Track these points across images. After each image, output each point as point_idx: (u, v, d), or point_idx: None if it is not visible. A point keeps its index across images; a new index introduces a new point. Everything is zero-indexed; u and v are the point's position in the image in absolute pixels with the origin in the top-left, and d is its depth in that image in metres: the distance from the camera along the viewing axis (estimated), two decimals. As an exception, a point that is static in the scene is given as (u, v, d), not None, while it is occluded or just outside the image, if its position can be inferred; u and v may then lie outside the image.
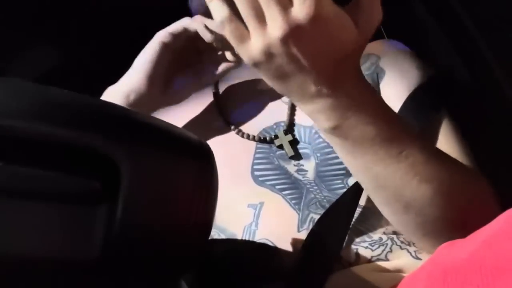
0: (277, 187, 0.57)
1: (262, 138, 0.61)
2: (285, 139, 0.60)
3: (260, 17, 0.38)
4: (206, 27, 0.55)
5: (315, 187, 0.57)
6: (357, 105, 0.41)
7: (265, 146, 0.61)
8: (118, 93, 0.59)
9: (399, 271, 0.51)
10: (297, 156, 0.60)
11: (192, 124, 0.64)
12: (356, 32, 0.39)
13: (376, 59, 0.65)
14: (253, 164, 0.59)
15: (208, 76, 0.61)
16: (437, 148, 0.49)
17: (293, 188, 0.57)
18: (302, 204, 0.55)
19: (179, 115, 0.66)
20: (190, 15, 0.65)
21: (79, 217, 0.32)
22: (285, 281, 0.50)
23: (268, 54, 0.39)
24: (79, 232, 0.32)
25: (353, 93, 0.42)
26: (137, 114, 0.35)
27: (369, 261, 0.51)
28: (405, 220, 0.48)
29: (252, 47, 0.39)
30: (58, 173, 0.31)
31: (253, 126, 0.62)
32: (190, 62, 0.62)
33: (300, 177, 0.58)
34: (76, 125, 0.31)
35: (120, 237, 0.32)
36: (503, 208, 0.32)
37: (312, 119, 0.44)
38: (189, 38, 0.59)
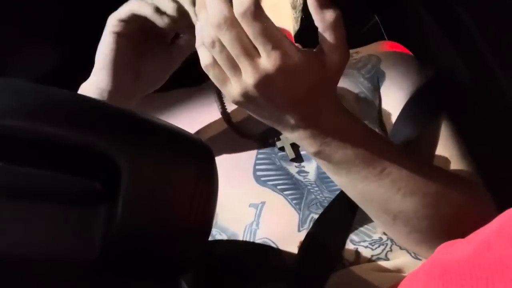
0: (279, 187, 0.57)
1: (264, 139, 0.61)
2: (286, 141, 0.60)
3: (235, 67, 0.42)
4: (157, 9, 0.51)
5: (316, 188, 0.57)
6: (334, 131, 0.45)
7: (267, 147, 0.61)
8: (92, 94, 0.56)
9: (399, 270, 0.51)
10: (298, 158, 0.60)
11: (195, 125, 0.64)
12: (324, 70, 0.43)
13: (376, 62, 0.66)
14: (255, 164, 0.60)
15: (178, 51, 0.58)
16: (420, 161, 0.51)
17: (294, 189, 0.57)
18: (302, 204, 0.55)
19: (180, 117, 0.66)
20: None
21: (79, 217, 0.32)
22: (287, 281, 0.50)
23: (246, 97, 0.43)
24: (79, 232, 0.32)
25: (329, 122, 0.45)
26: (137, 114, 0.35)
27: (369, 260, 0.51)
28: (395, 230, 0.51)
29: (232, 90, 0.43)
30: (58, 173, 0.31)
31: (255, 127, 0.63)
32: (155, 39, 0.57)
33: (301, 178, 0.58)
34: (76, 125, 0.31)
35: (120, 237, 0.32)
36: (504, 209, 0.32)
37: (298, 143, 0.48)
38: (142, 21, 0.54)
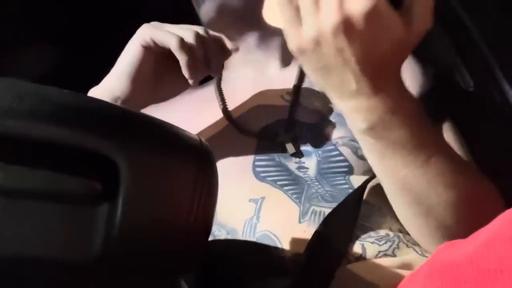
0: (278, 183, 0.57)
1: (263, 135, 0.61)
2: (286, 137, 0.60)
3: (316, 4, 0.38)
4: (182, 43, 0.53)
5: (316, 183, 0.57)
6: (394, 108, 0.42)
7: (267, 143, 0.61)
8: (104, 98, 0.56)
9: (406, 267, 0.50)
10: (298, 153, 0.60)
11: (195, 121, 0.65)
12: (406, 35, 0.39)
13: None
14: (255, 160, 0.60)
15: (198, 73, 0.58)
16: (460, 157, 0.50)
17: (294, 184, 0.57)
18: (303, 198, 0.55)
19: (180, 112, 0.66)
20: (194, 18, 0.65)
21: (79, 217, 0.32)
22: (291, 278, 0.50)
23: (317, 43, 0.39)
24: (79, 232, 0.32)
25: (392, 96, 0.41)
26: (137, 114, 0.35)
27: (376, 256, 0.51)
28: (423, 223, 0.49)
29: (302, 33, 0.39)
30: (58, 173, 0.31)
31: (254, 123, 0.63)
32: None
33: (301, 174, 0.58)
34: (76, 125, 0.31)
35: (120, 237, 0.32)
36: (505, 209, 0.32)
37: (346, 118, 0.44)
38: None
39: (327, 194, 0.56)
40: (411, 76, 0.64)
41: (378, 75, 0.40)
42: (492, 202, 0.50)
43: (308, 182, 0.57)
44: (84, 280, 0.33)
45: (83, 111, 0.32)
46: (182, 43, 0.53)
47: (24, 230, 0.30)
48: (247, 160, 0.60)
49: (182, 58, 0.53)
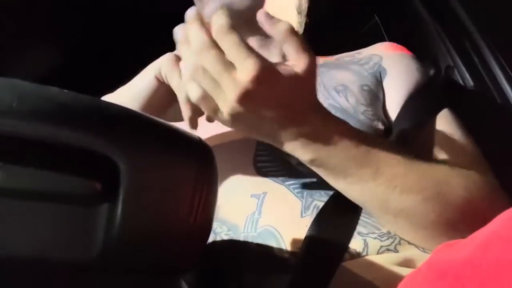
0: (280, 178, 0.57)
1: None
2: None
3: (219, 89, 0.44)
4: (187, 100, 0.53)
5: (318, 178, 0.57)
6: (324, 136, 0.47)
7: None
8: None
9: (408, 262, 0.50)
10: None
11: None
12: (297, 75, 0.44)
13: (378, 59, 0.68)
14: (256, 156, 0.60)
15: None
16: (415, 157, 0.51)
17: (296, 180, 0.57)
18: (305, 192, 0.55)
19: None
20: None
21: (79, 217, 0.32)
22: (291, 273, 0.50)
23: (235, 115, 0.44)
24: (80, 232, 0.32)
25: (317, 127, 0.47)
26: (137, 114, 0.35)
27: (378, 251, 0.51)
28: (400, 229, 0.51)
29: (222, 113, 0.45)
30: (58, 173, 0.31)
31: None
32: None
33: (302, 169, 0.58)
34: (76, 126, 0.31)
35: (120, 237, 0.32)
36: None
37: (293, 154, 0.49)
38: None
39: (329, 189, 0.56)
40: (407, 73, 0.65)
41: (295, 115, 0.46)
42: (482, 194, 0.50)
43: (310, 177, 0.57)
44: (84, 280, 0.33)
45: (83, 111, 0.32)
46: (188, 100, 0.53)
47: (24, 230, 0.30)
48: (248, 155, 0.60)
49: (184, 113, 0.54)
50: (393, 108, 0.63)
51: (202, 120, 0.65)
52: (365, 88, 0.64)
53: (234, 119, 0.45)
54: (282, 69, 0.44)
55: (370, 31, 1.04)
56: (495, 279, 0.27)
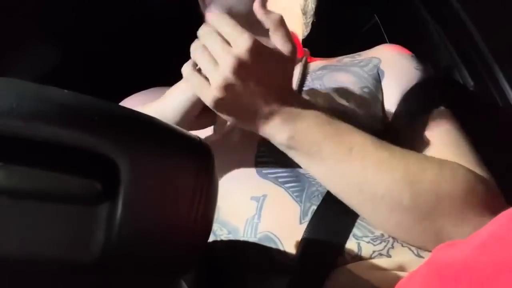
0: (280, 180, 0.57)
1: None
2: None
3: (212, 61, 0.49)
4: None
5: (317, 181, 0.57)
6: (301, 114, 0.51)
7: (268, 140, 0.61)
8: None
9: (400, 268, 0.51)
10: None
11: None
12: (284, 57, 0.50)
13: (377, 62, 0.69)
14: (257, 157, 0.60)
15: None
16: (388, 143, 0.53)
17: (295, 182, 0.57)
18: (304, 196, 0.56)
19: None
20: (196, 21, 0.66)
21: (79, 217, 0.32)
22: (289, 276, 0.50)
23: (226, 87, 0.48)
24: (80, 232, 0.32)
25: (296, 104, 0.51)
26: (137, 114, 0.35)
27: (371, 256, 0.51)
28: (378, 214, 0.51)
29: (212, 87, 0.48)
30: (58, 173, 0.31)
31: None
32: None
33: (302, 171, 0.58)
34: (76, 125, 0.31)
35: (120, 237, 0.32)
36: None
37: (270, 139, 0.52)
38: None
39: (326, 192, 0.56)
40: (405, 73, 0.65)
41: (279, 91, 0.50)
42: (464, 187, 0.51)
43: (310, 179, 0.57)
44: (84, 280, 0.33)
45: (83, 111, 0.32)
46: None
47: (24, 230, 0.30)
48: (249, 157, 0.60)
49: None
50: (391, 108, 0.64)
51: (205, 119, 0.65)
52: (365, 90, 0.65)
53: (226, 92, 0.48)
54: (271, 48, 0.49)
55: (370, 31, 1.04)
56: (494, 280, 0.27)
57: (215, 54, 0.48)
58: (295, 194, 0.56)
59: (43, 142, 0.31)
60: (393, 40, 0.76)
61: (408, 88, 0.64)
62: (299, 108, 0.51)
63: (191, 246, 0.36)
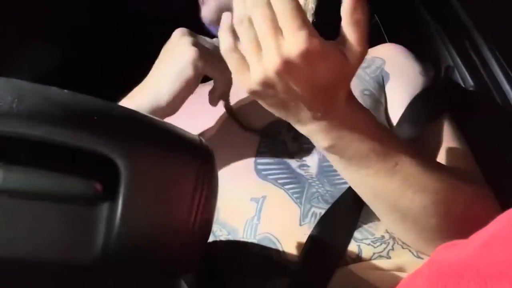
0: (280, 181, 0.57)
1: (265, 133, 0.61)
2: (288, 135, 0.60)
3: (258, 49, 0.41)
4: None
5: (317, 182, 0.57)
6: (349, 125, 0.45)
7: (269, 141, 0.61)
8: (146, 103, 0.56)
9: (400, 269, 0.51)
10: (299, 152, 0.60)
11: (197, 119, 0.65)
12: (344, 63, 0.42)
13: (381, 63, 0.67)
14: (257, 158, 0.60)
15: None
16: (431, 159, 0.51)
17: (295, 183, 0.57)
18: (303, 198, 0.55)
19: (183, 110, 0.66)
20: (197, 22, 0.66)
21: (79, 217, 0.32)
22: (290, 278, 0.50)
23: (265, 84, 0.42)
24: (79, 232, 0.32)
25: (344, 115, 0.45)
26: (137, 114, 0.35)
27: (371, 258, 0.51)
28: (405, 229, 0.51)
29: (251, 78, 0.42)
30: (58, 173, 0.31)
31: (257, 121, 0.63)
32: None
33: (302, 172, 0.58)
34: (76, 126, 0.31)
35: (120, 237, 0.32)
36: (505, 210, 0.32)
37: (310, 139, 0.47)
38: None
39: (327, 194, 0.56)
40: (410, 78, 0.65)
41: (326, 101, 0.44)
42: (481, 203, 0.51)
43: (309, 180, 0.57)
44: (84, 280, 0.33)
45: (83, 111, 0.32)
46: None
47: (24, 230, 0.30)
48: (249, 158, 0.60)
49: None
50: (395, 113, 0.63)
51: (202, 121, 0.65)
52: (366, 93, 0.64)
53: (262, 88, 0.43)
54: (332, 52, 0.41)
55: (370, 31, 1.04)
56: (497, 279, 0.27)
57: (263, 42, 0.41)
58: (295, 195, 0.56)
59: (43, 142, 0.31)
60: (393, 40, 0.75)
61: (412, 95, 0.62)
62: (349, 117, 0.45)
63: (191, 246, 0.36)
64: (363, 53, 0.43)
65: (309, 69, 0.41)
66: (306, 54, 0.40)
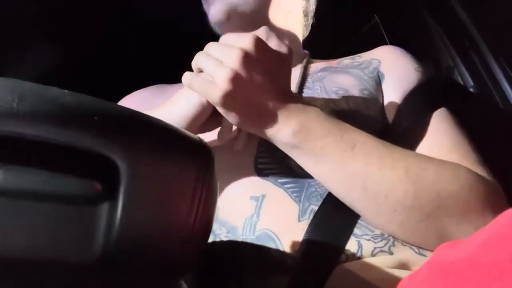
0: (279, 180, 0.58)
1: None
2: None
3: (217, 61, 0.50)
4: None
5: (316, 181, 0.57)
6: (304, 110, 0.52)
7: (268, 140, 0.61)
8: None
9: (402, 265, 0.51)
10: None
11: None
12: (286, 56, 0.53)
13: (378, 64, 0.70)
14: (257, 157, 0.60)
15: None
16: (386, 142, 0.53)
17: (294, 182, 0.57)
18: (302, 196, 0.56)
19: None
20: (197, 22, 0.66)
21: (79, 217, 0.32)
22: (290, 275, 0.50)
23: (234, 79, 0.48)
24: (80, 233, 0.32)
25: (298, 102, 0.52)
26: (137, 114, 0.35)
27: (372, 253, 0.51)
28: (382, 214, 0.51)
29: (219, 82, 0.48)
30: (58, 173, 0.31)
31: None
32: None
33: (301, 171, 0.58)
34: (75, 125, 0.31)
35: (120, 237, 0.32)
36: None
37: (273, 140, 0.52)
38: None
39: (326, 193, 0.56)
40: (405, 75, 0.66)
41: (283, 89, 0.52)
42: (467, 187, 0.50)
43: (309, 180, 0.57)
44: (84, 280, 0.33)
45: (83, 111, 0.32)
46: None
47: (24, 230, 0.30)
48: (249, 157, 0.60)
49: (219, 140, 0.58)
50: (392, 110, 0.64)
51: (205, 120, 0.65)
52: (365, 92, 0.65)
53: (234, 85, 0.48)
54: (271, 47, 0.52)
55: (370, 31, 1.04)
56: (498, 278, 0.27)
57: (220, 55, 0.50)
58: (294, 194, 0.56)
59: (43, 142, 0.31)
60: (393, 40, 0.76)
61: (409, 90, 0.64)
62: (301, 106, 0.51)
63: (191, 246, 0.36)
64: (290, 49, 0.53)
65: (264, 56, 0.50)
66: (257, 43, 0.50)
